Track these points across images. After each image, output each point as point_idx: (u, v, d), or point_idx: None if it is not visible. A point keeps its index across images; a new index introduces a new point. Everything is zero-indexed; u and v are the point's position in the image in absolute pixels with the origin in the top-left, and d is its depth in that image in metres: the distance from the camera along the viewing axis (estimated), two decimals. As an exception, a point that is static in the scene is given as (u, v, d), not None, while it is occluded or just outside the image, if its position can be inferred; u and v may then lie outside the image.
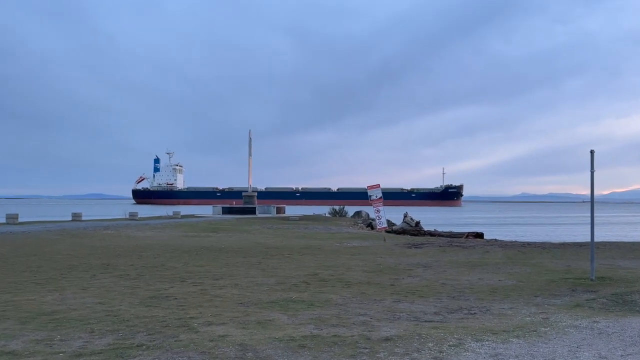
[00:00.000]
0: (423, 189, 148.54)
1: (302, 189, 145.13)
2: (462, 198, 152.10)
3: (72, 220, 31.40)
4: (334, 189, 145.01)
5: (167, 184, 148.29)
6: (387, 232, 24.11)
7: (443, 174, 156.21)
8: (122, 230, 22.98)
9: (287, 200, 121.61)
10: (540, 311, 6.70)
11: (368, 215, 41.38)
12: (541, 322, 6.03)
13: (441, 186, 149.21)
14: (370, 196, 19.94)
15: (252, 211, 44.37)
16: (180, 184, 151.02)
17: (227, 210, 44.96)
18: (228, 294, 7.83)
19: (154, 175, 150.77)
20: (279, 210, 47.38)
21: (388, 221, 27.30)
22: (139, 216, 35.83)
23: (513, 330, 5.55)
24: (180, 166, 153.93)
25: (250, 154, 50.36)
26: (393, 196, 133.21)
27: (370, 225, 32.50)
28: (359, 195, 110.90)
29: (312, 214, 47.71)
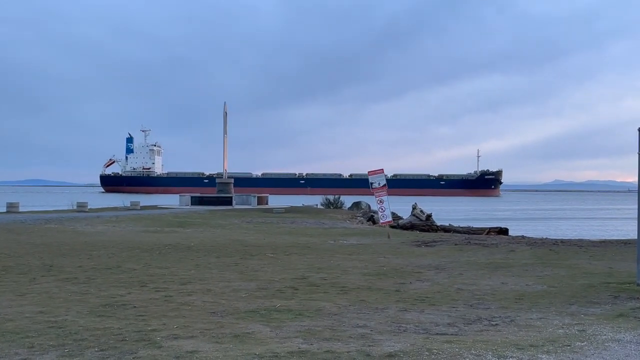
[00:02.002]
0: (454, 175, 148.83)
1: (306, 175, 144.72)
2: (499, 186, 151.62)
3: (7, 212, 31.25)
4: (345, 175, 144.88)
5: (143, 169, 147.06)
6: (392, 227, 24.24)
7: (478, 156, 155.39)
8: (68, 224, 22.91)
9: (290, 188, 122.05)
10: (575, 322, 6.77)
11: (369, 206, 41.56)
12: (576, 335, 6.10)
13: (476, 172, 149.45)
14: (371, 184, 20.00)
15: (227, 201, 44.34)
16: (159, 168, 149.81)
17: (197, 201, 44.93)
18: (198, 302, 7.85)
19: (126, 158, 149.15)
20: (261, 201, 47.47)
21: (393, 214, 27.41)
22: (89, 207, 35.73)
23: (543, 345, 5.60)
24: (159, 147, 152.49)
25: (225, 132, 50.24)
26: (418, 184, 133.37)
27: (372, 218, 32.66)
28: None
29: (301, 205, 47.85)
